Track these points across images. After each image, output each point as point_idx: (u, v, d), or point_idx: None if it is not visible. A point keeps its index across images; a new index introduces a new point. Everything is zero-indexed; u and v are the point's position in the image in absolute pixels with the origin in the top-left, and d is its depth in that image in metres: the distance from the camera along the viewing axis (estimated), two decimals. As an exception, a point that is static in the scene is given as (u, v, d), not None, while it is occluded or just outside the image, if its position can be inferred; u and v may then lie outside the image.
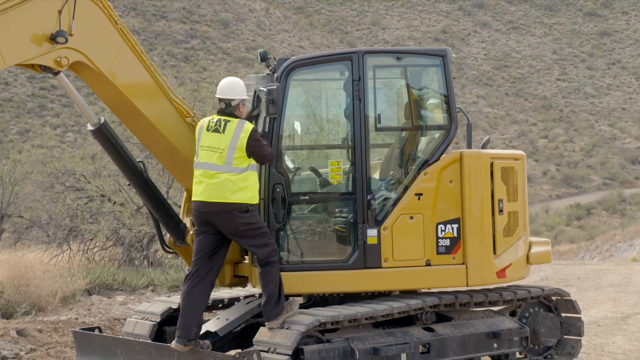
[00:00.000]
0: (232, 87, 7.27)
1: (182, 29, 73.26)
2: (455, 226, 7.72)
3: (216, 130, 7.11)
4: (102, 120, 7.52)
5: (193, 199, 7.19)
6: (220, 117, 7.19)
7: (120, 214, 17.20)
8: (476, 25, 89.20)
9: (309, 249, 7.76)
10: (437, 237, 7.68)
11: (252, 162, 7.13)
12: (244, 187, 7.03)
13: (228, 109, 7.20)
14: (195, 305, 7.13)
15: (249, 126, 7.11)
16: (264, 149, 7.12)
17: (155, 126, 7.54)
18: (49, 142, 48.70)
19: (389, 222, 7.57)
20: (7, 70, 49.77)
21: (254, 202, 7.13)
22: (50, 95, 58.53)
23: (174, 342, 7.06)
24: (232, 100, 7.21)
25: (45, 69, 6.84)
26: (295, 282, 7.50)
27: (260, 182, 7.64)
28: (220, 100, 7.25)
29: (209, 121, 7.20)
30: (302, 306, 8.07)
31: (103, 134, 7.53)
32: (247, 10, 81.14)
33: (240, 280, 8.15)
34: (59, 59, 6.78)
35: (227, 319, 7.89)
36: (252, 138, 7.05)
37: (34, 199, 21.34)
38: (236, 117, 7.18)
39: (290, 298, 7.43)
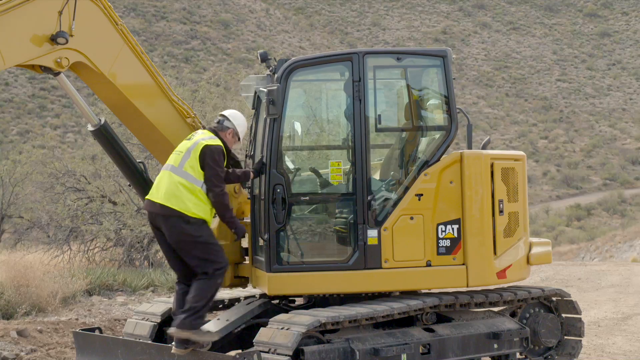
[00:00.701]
0: (235, 114, 7.39)
1: (182, 30, 73.27)
2: (455, 227, 7.72)
3: (189, 139, 7.13)
4: (102, 121, 7.52)
5: (147, 197, 7.15)
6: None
7: (120, 215, 17.19)
8: (476, 26, 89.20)
9: (309, 249, 7.76)
10: (438, 238, 7.68)
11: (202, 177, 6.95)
12: (189, 197, 6.85)
13: (217, 125, 7.26)
14: None
15: (213, 141, 7.03)
16: (215, 174, 6.90)
17: (155, 127, 7.55)
18: (49, 142, 48.65)
19: (389, 222, 7.57)
20: (8, 71, 49.81)
21: (199, 217, 6.91)
22: (50, 96, 58.54)
23: (173, 347, 7.02)
24: (226, 120, 7.28)
25: (45, 69, 6.85)
26: (295, 283, 7.50)
27: (260, 183, 7.64)
28: (218, 116, 7.35)
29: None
30: (302, 307, 8.08)
31: (103, 134, 7.54)
32: (248, 11, 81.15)
33: (241, 281, 8.15)
34: (59, 60, 6.79)
35: (227, 320, 7.88)
36: (210, 152, 6.91)
37: (34, 199, 21.34)
38: (216, 133, 7.17)
39: (209, 329, 7.31)
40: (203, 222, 6.96)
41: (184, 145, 7.07)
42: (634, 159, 65.64)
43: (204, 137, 7.05)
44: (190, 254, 6.97)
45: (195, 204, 6.86)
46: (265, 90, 7.39)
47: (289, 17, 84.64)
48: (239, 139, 7.44)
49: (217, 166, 6.93)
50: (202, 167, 6.91)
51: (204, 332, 7.00)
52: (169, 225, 6.90)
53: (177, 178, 6.90)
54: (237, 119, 7.38)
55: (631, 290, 15.55)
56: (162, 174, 7.07)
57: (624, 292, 15.36)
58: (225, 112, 7.42)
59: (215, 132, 7.20)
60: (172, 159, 7.05)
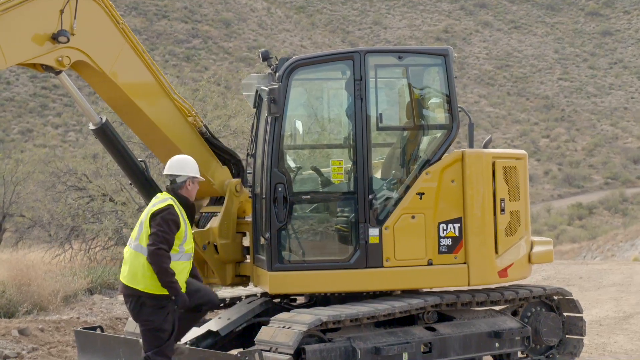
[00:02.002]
0: (178, 164, 6.69)
1: (183, 29, 73.27)
2: (457, 226, 7.71)
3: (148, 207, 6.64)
4: (103, 120, 7.53)
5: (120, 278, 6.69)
6: (160, 196, 6.67)
7: (122, 214, 17.20)
8: (478, 25, 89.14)
9: (310, 248, 7.76)
10: (439, 237, 7.68)
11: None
12: (146, 272, 6.35)
13: (172, 185, 6.65)
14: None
15: (161, 204, 6.44)
16: (153, 234, 6.30)
17: (156, 125, 7.54)
18: (51, 141, 48.72)
19: (390, 221, 7.57)
20: (9, 70, 49.84)
21: (156, 293, 6.38)
22: (52, 95, 58.55)
23: None
24: (177, 176, 6.65)
25: (47, 68, 6.85)
26: (296, 282, 7.50)
27: (262, 181, 7.64)
28: (167, 176, 6.72)
29: None
30: (303, 305, 8.08)
31: (104, 133, 7.54)
32: (249, 10, 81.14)
33: (242, 280, 8.16)
34: (60, 59, 6.79)
35: (228, 319, 7.89)
36: (155, 217, 6.35)
37: (36, 198, 21.35)
38: (177, 195, 6.57)
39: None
40: (160, 304, 6.42)
41: (141, 217, 6.59)
42: (635, 158, 65.58)
43: (154, 204, 6.53)
44: (143, 334, 6.57)
45: (152, 279, 6.35)
46: (266, 89, 7.38)
47: (290, 16, 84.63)
48: (198, 180, 6.82)
49: (159, 228, 6.31)
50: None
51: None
52: (129, 302, 6.49)
53: (134, 253, 6.46)
54: (184, 165, 6.70)
55: (633, 289, 15.54)
56: (125, 250, 6.64)
57: (626, 291, 15.35)
58: (169, 170, 6.69)
59: (173, 191, 6.62)
60: (133, 233, 6.59)
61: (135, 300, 6.44)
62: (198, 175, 6.77)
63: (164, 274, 6.32)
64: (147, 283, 6.37)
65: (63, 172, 18.69)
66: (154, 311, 6.43)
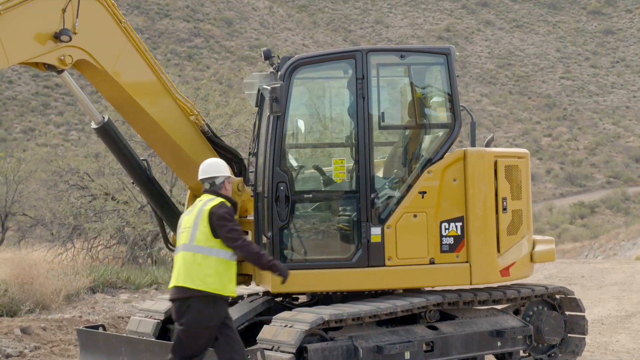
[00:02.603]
0: (211, 167, 6.70)
1: (185, 28, 73.28)
2: (459, 224, 7.72)
3: (190, 212, 6.55)
4: (105, 119, 7.53)
5: (169, 286, 6.49)
6: (203, 198, 6.57)
7: (124, 212, 17.21)
8: (480, 24, 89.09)
9: (312, 247, 7.76)
10: (441, 236, 7.68)
11: (220, 246, 6.35)
12: (206, 272, 6.26)
13: (212, 187, 6.59)
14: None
15: (215, 202, 6.42)
16: (227, 230, 6.30)
17: (158, 124, 7.54)
18: (53, 140, 48.74)
19: (392, 220, 7.57)
20: (11, 69, 49.86)
21: (219, 293, 6.29)
22: (54, 94, 58.59)
23: None
24: (216, 178, 6.62)
25: (49, 67, 6.86)
26: (298, 280, 7.49)
27: (263, 180, 7.64)
28: (204, 180, 6.66)
29: (191, 207, 6.64)
30: (305, 304, 8.08)
31: (107, 132, 7.55)
32: (251, 9, 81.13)
33: (244, 279, 8.15)
34: (62, 58, 6.80)
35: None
36: (215, 214, 6.31)
37: (38, 197, 21.36)
38: (220, 195, 6.54)
39: None
40: (220, 301, 6.35)
41: (188, 221, 6.48)
42: (637, 157, 65.54)
43: (204, 203, 6.46)
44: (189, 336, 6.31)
45: (213, 277, 6.27)
46: (268, 87, 7.38)
47: (292, 15, 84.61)
48: (234, 175, 6.88)
49: (227, 222, 6.34)
50: (215, 232, 6.33)
51: None
52: (186, 307, 6.27)
53: (190, 255, 6.33)
54: (218, 167, 6.72)
55: (635, 288, 15.53)
56: (176, 257, 6.49)
57: (628, 290, 15.34)
58: (207, 173, 6.66)
59: (215, 193, 6.58)
60: (183, 238, 6.46)
61: (193, 301, 6.24)
62: (230, 173, 6.79)
63: (260, 257, 6.46)
64: (207, 282, 6.24)
65: (65, 171, 18.68)
66: (208, 311, 6.26)
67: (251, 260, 6.55)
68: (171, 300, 6.44)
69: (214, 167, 6.71)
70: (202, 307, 6.24)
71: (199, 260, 6.29)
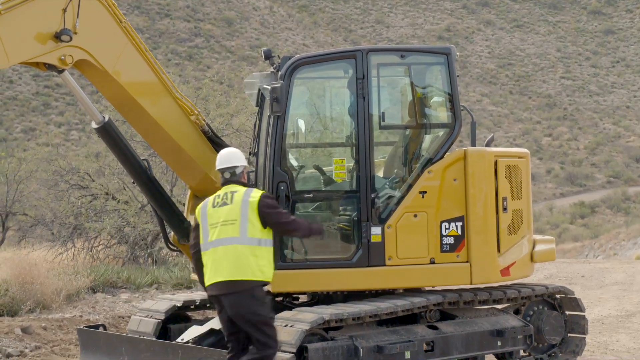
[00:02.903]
0: (232, 156, 6.69)
1: (186, 27, 73.29)
2: (459, 224, 7.72)
3: (224, 204, 6.46)
4: (106, 119, 7.53)
5: (209, 282, 6.42)
6: (227, 189, 6.55)
7: (124, 212, 17.22)
8: (480, 24, 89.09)
9: (313, 247, 7.75)
10: (441, 235, 7.68)
11: (269, 235, 6.47)
12: (263, 263, 6.41)
13: (232, 177, 6.60)
14: None
15: (256, 192, 6.49)
16: (279, 216, 6.48)
17: (159, 124, 7.54)
18: (54, 140, 48.74)
19: (393, 220, 7.57)
20: (12, 69, 49.88)
21: (270, 280, 6.50)
22: (54, 94, 58.61)
23: None
24: (236, 167, 6.63)
25: (49, 67, 6.85)
26: (299, 280, 7.51)
27: (264, 180, 7.64)
28: (224, 170, 6.64)
29: (214, 198, 6.59)
30: (306, 304, 8.08)
31: (107, 132, 7.55)
32: (251, 9, 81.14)
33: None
34: (63, 57, 6.79)
35: (231, 317, 7.88)
36: (265, 204, 6.42)
37: (39, 197, 21.34)
38: (244, 184, 6.61)
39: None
40: (265, 295, 6.53)
41: (228, 214, 6.40)
42: (637, 157, 65.56)
43: (245, 195, 6.44)
44: (257, 329, 6.42)
45: (268, 267, 6.44)
46: (269, 87, 7.39)
47: (292, 15, 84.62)
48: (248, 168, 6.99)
49: (277, 207, 6.53)
50: (264, 222, 6.41)
51: None
52: (239, 300, 6.35)
53: (242, 248, 6.35)
54: (239, 156, 6.74)
55: (635, 288, 15.54)
56: (214, 251, 6.42)
57: (628, 290, 15.35)
58: (229, 162, 6.65)
59: (238, 182, 6.60)
60: (226, 231, 6.38)
61: (256, 291, 6.34)
62: (246, 162, 6.84)
63: (310, 228, 6.69)
64: (264, 272, 6.38)
65: (66, 171, 18.69)
66: (262, 303, 6.41)
67: (304, 234, 6.77)
68: (217, 295, 6.41)
69: (234, 156, 6.71)
70: (262, 296, 6.44)
71: (256, 252, 6.36)
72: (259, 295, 6.40)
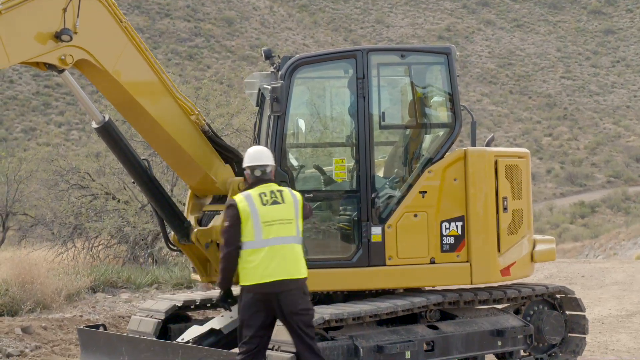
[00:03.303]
0: (266, 153, 6.71)
1: (186, 27, 73.30)
2: (459, 224, 7.72)
3: (275, 202, 6.47)
4: (106, 118, 7.53)
5: (265, 279, 6.36)
6: (267, 188, 6.54)
7: (124, 212, 17.22)
8: (480, 23, 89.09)
9: (313, 246, 7.76)
10: (442, 235, 7.68)
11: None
12: (304, 260, 6.60)
13: (265, 175, 6.61)
14: None
15: (299, 194, 6.68)
16: (311, 212, 7.00)
17: (159, 124, 7.53)
18: (54, 140, 48.76)
19: (393, 220, 7.57)
20: (12, 68, 49.88)
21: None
22: (54, 93, 58.61)
23: None
24: (267, 166, 6.64)
25: (49, 67, 6.85)
26: (299, 280, 7.49)
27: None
28: (255, 167, 6.62)
29: (260, 195, 6.48)
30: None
31: (107, 131, 7.54)
32: (251, 9, 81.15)
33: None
34: (63, 57, 6.79)
35: (231, 317, 7.87)
36: (305, 205, 6.72)
37: (39, 197, 21.36)
38: (272, 182, 6.67)
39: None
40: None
41: (285, 213, 6.48)
42: (638, 157, 65.56)
43: (292, 195, 6.57)
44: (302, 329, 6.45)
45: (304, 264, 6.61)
46: (269, 87, 7.39)
47: (292, 15, 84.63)
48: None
49: (308, 207, 6.92)
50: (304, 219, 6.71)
51: None
52: (295, 296, 6.41)
53: (297, 247, 6.52)
54: (270, 155, 6.74)
55: (635, 288, 15.54)
56: (275, 248, 6.42)
57: (628, 290, 15.35)
58: (261, 160, 6.65)
59: (271, 181, 6.65)
60: (285, 230, 6.44)
61: (299, 291, 6.42)
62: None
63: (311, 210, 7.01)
64: (305, 269, 6.56)
65: (66, 171, 18.69)
66: (309, 299, 6.54)
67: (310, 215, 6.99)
68: (274, 292, 6.36)
69: (265, 154, 6.69)
70: (309, 292, 6.57)
71: (302, 250, 6.59)
72: (308, 291, 6.54)
